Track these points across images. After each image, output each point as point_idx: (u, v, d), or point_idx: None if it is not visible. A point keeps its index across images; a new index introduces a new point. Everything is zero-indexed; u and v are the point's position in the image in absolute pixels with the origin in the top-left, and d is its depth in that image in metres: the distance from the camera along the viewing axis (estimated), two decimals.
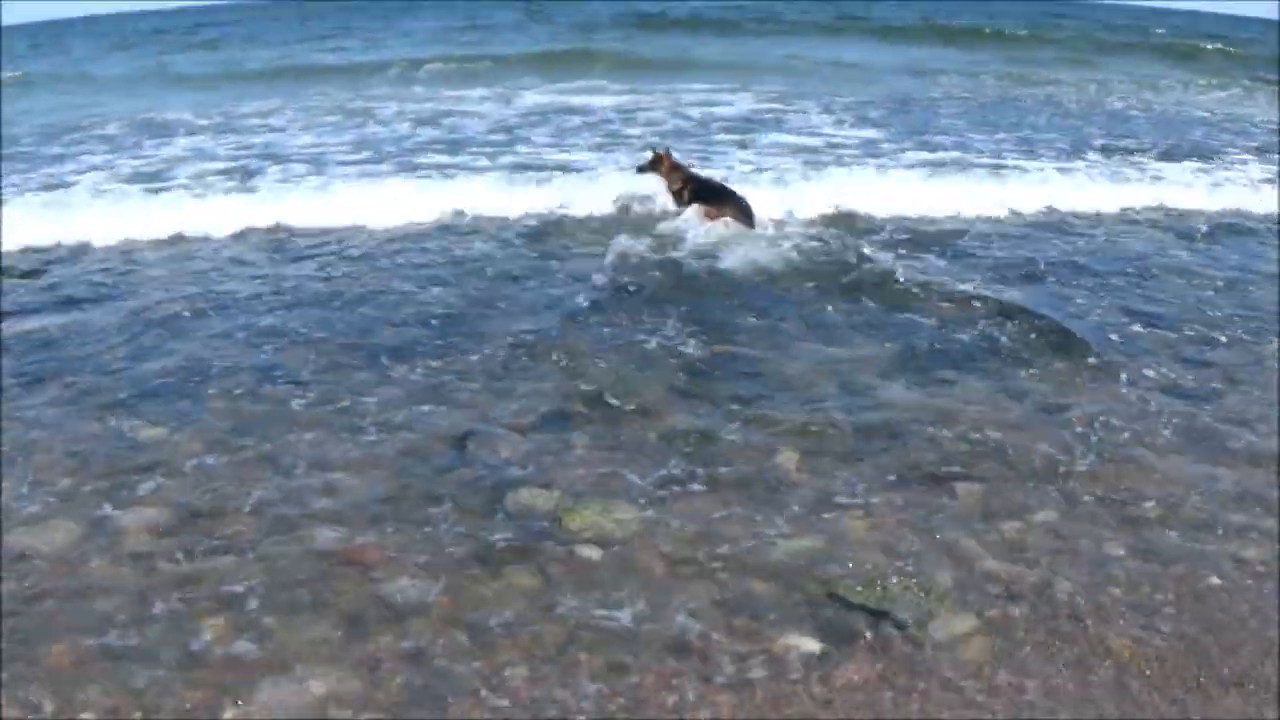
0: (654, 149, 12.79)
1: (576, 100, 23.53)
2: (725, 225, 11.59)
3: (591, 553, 5.66)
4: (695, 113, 21.50)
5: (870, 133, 19.35)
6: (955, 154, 17.15)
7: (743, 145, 17.62)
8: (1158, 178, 15.37)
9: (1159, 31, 53.38)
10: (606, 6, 52.64)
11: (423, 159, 16.69)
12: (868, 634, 5.03)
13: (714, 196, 11.98)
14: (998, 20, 50.10)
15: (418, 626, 5.10)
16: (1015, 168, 15.70)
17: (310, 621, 5.14)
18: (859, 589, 5.32)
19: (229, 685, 4.72)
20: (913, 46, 39.21)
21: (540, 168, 15.49)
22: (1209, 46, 43.85)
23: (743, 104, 22.91)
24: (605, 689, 4.69)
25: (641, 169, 12.63)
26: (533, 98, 24.23)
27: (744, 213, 11.77)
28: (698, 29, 44.88)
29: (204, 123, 21.19)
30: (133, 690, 4.69)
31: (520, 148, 17.66)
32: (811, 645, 4.95)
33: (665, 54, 34.03)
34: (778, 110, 22.08)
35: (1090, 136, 19.42)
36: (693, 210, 11.89)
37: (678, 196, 12.21)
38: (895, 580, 5.40)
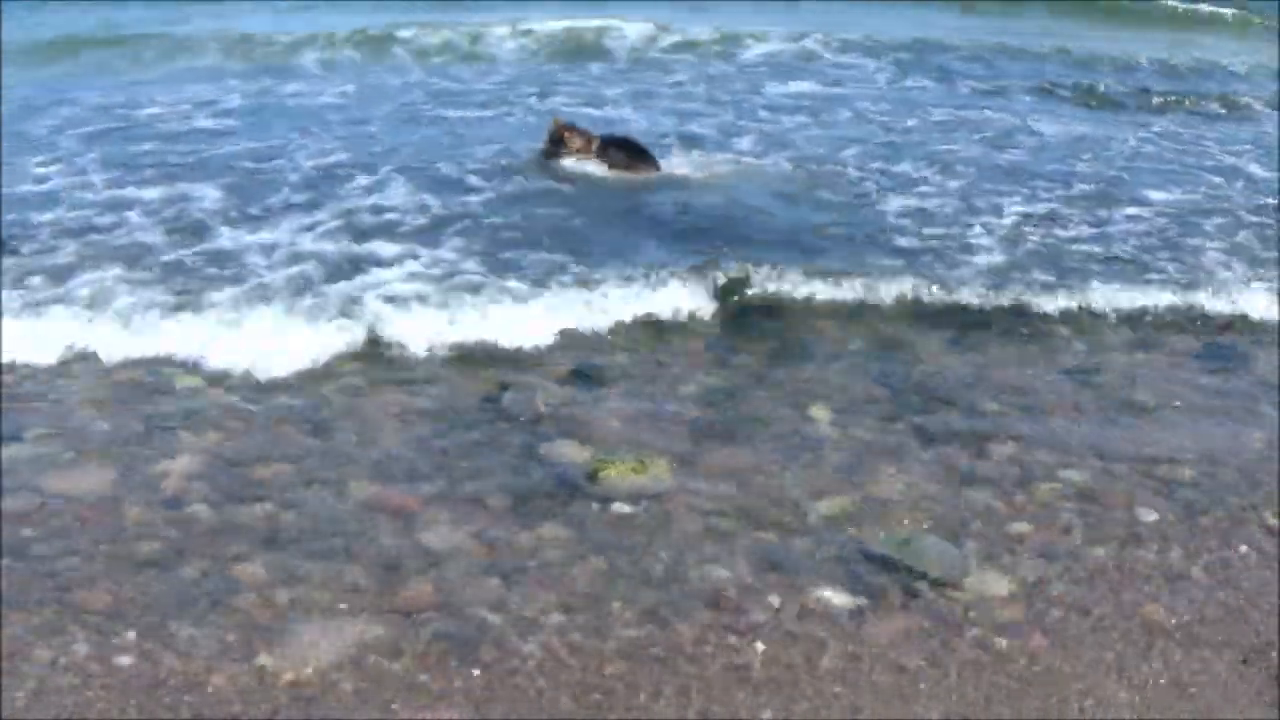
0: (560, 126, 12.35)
1: None
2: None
3: (625, 506, 5.68)
4: None
5: None
6: None
7: None
8: None
9: None
10: None
11: None
12: (900, 590, 5.05)
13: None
14: None
15: (452, 574, 5.13)
16: None
17: (345, 568, 5.17)
18: (893, 545, 5.33)
19: (264, 629, 4.75)
20: None
21: None
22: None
23: None
24: (639, 636, 4.72)
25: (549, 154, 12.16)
26: None
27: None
28: None
29: None
30: (168, 633, 4.71)
31: None
32: (844, 600, 4.97)
33: None
34: None
35: None
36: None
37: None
38: (929, 538, 5.41)
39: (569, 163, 11.78)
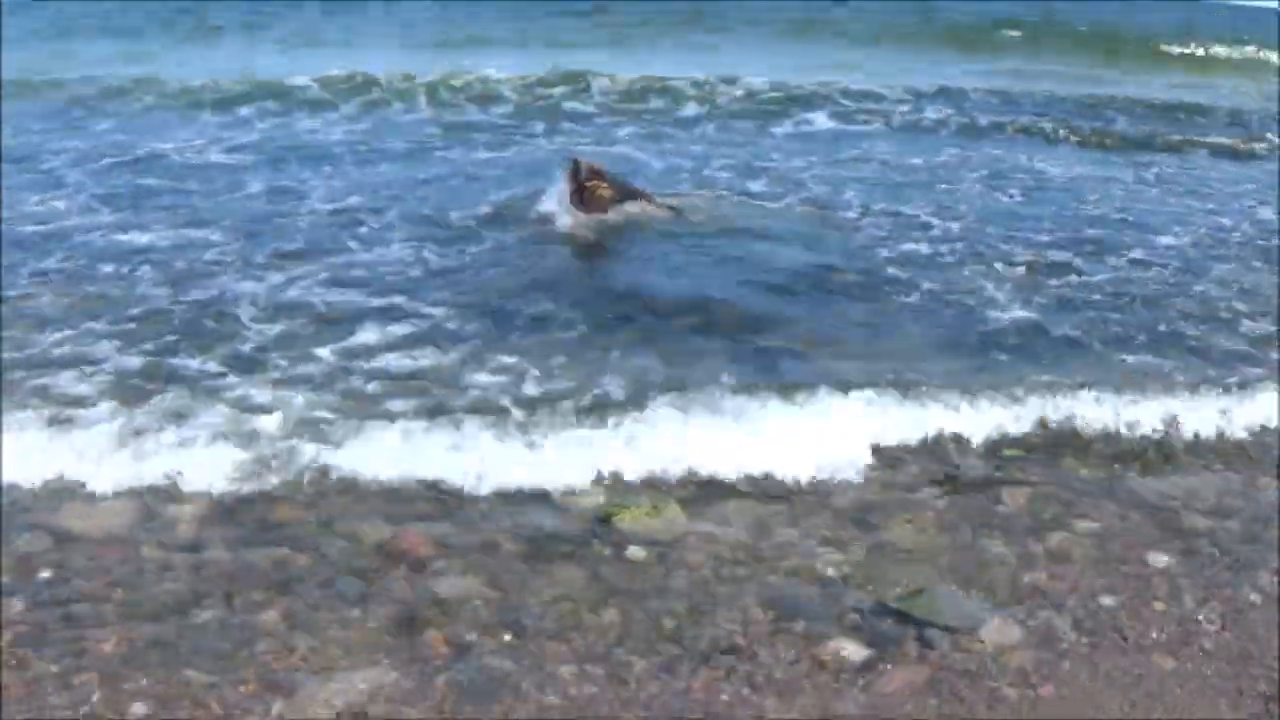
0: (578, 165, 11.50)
1: None
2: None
3: (639, 552, 5.70)
4: None
5: None
6: None
7: None
8: None
9: None
10: None
11: None
12: (914, 641, 5.05)
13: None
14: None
15: (466, 622, 5.14)
16: None
17: (360, 616, 5.18)
18: (906, 595, 5.34)
19: (279, 679, 4.75)
20: None
21: None
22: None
23: None
24: (654, 686, 4.73)
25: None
26: None
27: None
28: None
29: None
30: (182, 681, 4.72)
31: None
32: (858, 651, 4.97)
33: None
34: None
35: None
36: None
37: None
38: (943, 588, 5.41)
39: (585, 220, 11.12)
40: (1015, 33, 37.29)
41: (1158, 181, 14.91)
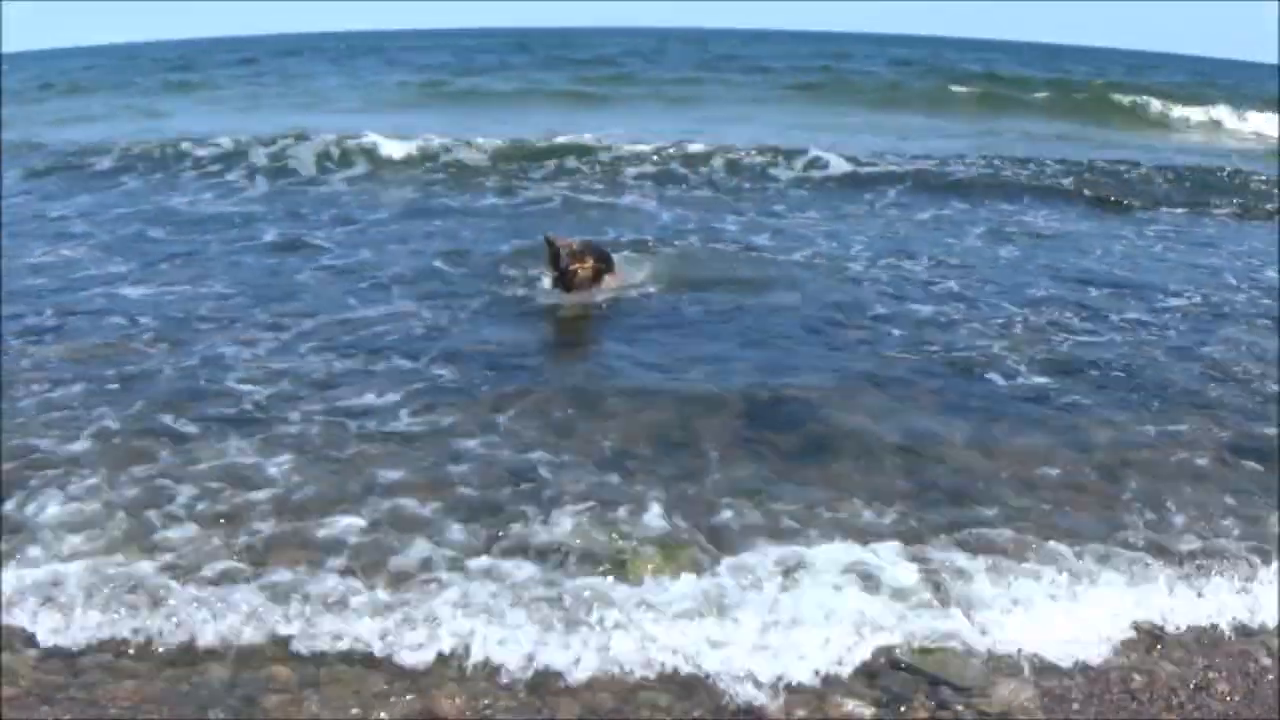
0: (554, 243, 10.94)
1: None
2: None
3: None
4: None
5: None
6: None
7: None
8: None
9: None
10: None
11: None
12: (925, 699, 5.03)
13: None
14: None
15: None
16: None
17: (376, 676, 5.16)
18: (916, 653, 5.31)
19: None
20: None
21: None
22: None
23: None
24: None
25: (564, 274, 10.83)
26: None
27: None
28: None
29: None
30: None
31: None
32: (869, 710, 4.95)
33: None
34: None
35: None
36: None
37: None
38: (952, 645, 5.38)
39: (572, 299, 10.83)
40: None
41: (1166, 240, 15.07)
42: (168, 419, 7.76)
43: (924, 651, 5.32)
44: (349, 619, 5.45)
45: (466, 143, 20.73)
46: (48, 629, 5.39)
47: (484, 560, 6.00)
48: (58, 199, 16.78)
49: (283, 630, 5.38)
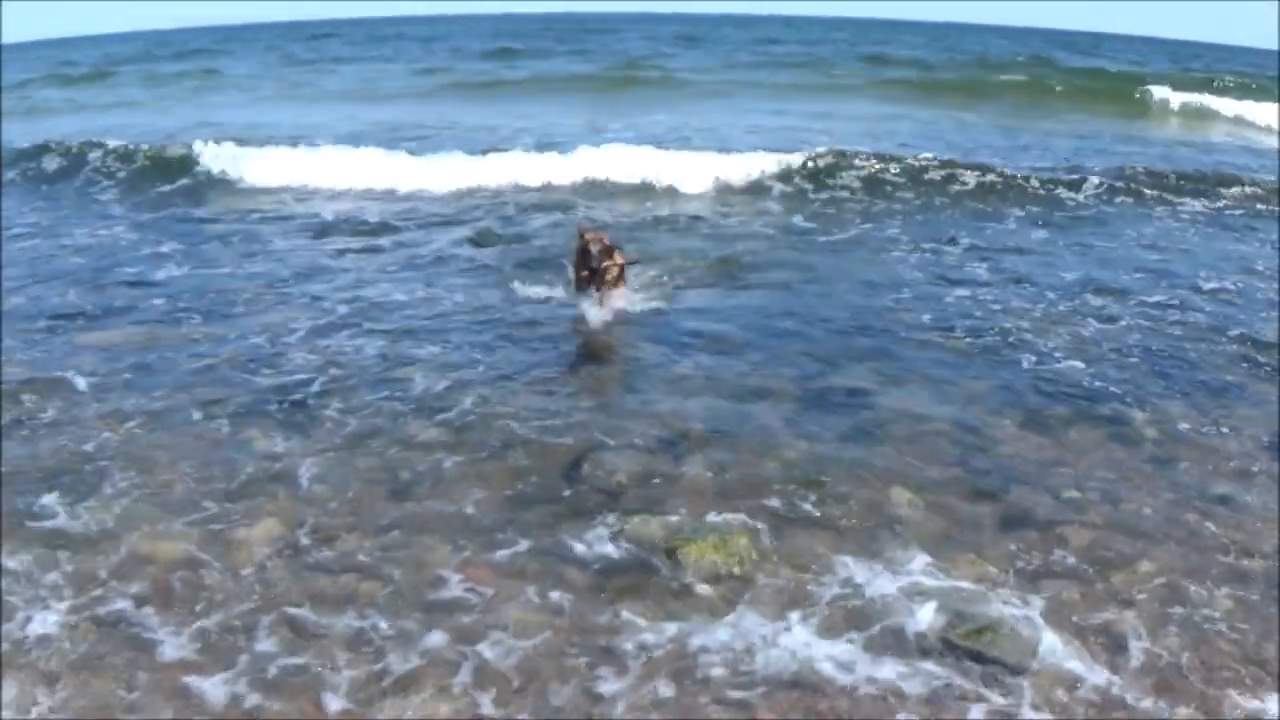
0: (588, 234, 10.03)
1: None
2: None
3: (705, 585, 5.72)
4: None
5: None
6: None
7: None
8: None
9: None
10: None
11: None
12: (977, 678, 5.05)
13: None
14: None
15: (532, 650, 5.19)
16: None
17: (426, 640, 5.24)
18: (967, 633, 5.33)
19: (343, 700, 4.84)
20: None
21: None
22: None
23: None
24: (723, 717, 4.76)
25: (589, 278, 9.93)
26: None
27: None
28: None
29: None
30: (244, 701, 4.83)
31: None
32: (921, 687, 4.98)
33: None
34: None
35: None
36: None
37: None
38: (1006, 625, 5.40)
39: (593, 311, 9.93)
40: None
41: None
42: None
43: (974, 631, 5.33)
44: None
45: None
46: None
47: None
48: None
49: None
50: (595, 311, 9.85)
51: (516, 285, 11.00)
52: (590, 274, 9.77)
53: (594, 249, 9.68)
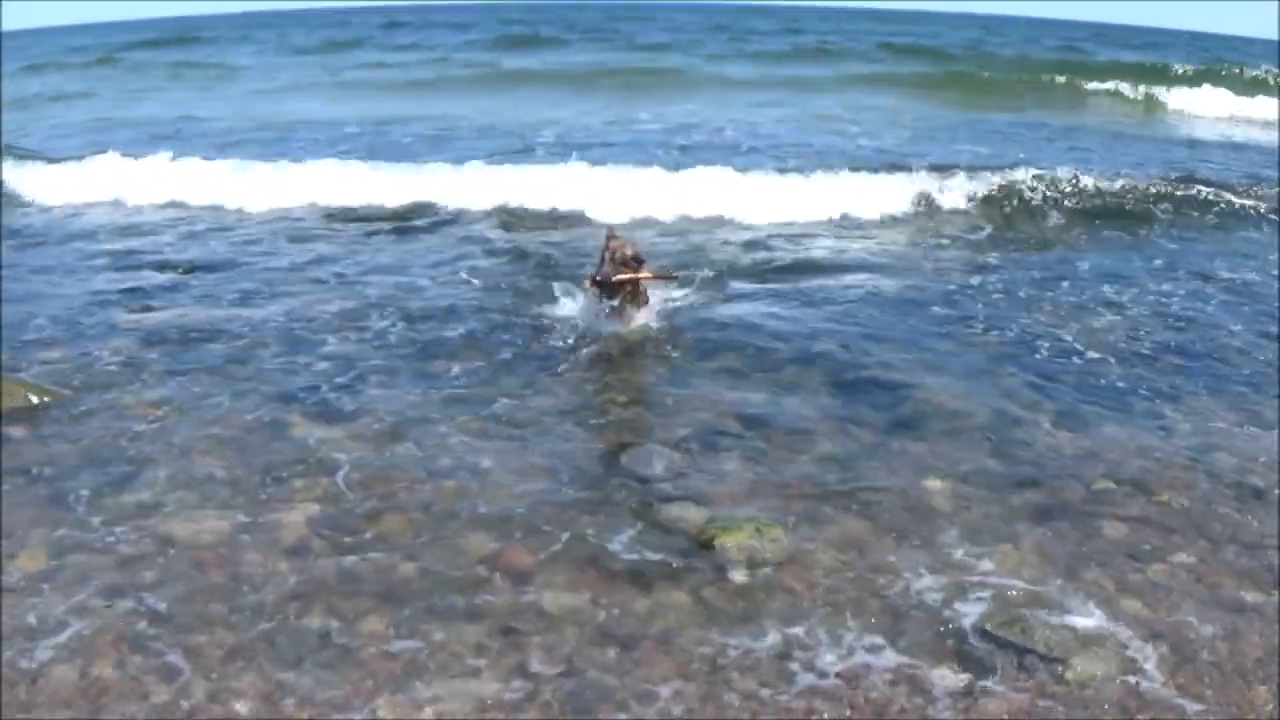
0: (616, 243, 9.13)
1: None
2: None
3: (741, 573, 5.76)
4: None
5: None
6: None
7: None
8: None
9: None
10: None
11: None
12: (1011, 669, 5.07)
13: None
14: None
15: (569, 636, 5.23)
16: None
17: (464, 625, 5.29)
18: (1003, 623, 5.35)
19: (382, 682, 4.87)
20: None
21: None
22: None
23: None
24: (755, 707, 4.78)
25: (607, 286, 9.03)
26: None
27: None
28: None
29: None
30: (284, 681, 4.86)
31: None
32: (955, 676, 5.00)
33: None
34: None
35: None
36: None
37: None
38: (1041, 616, 5.42)
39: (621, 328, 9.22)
40: None
41: None
42: None
43: (1009, 621, 5.35)
44: None
45: None
46: None
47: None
48: None
49: None
50: (607, 324, 9.14)
51: (555, 284, 10.30)
52: (595, 282, 9.00)
53: (625, 251, 8.84)
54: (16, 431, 7.27)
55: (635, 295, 9.09)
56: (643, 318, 9.28)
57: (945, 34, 64.22)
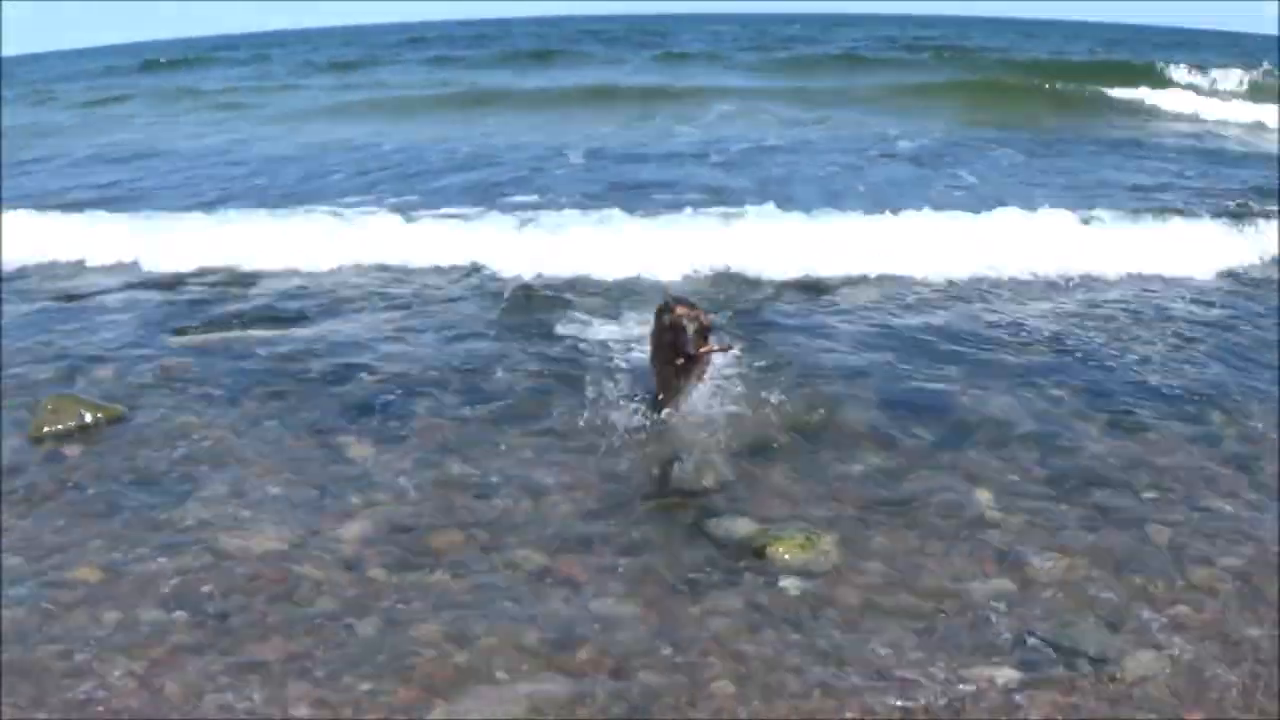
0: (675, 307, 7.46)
1: None
2: None
3: (792, 581, 5.81)
4: None
5: None
6: None
7: None
8: None
9: None
10: None
11: None
12: (1060, 669, 5.11)
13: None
14: None
15: (623, 642, 5.30)
16: None
17: (518, 633, 5.36)
18: (1053, 625, 5.40)
19: (437, 688, 4.95)
20: None
21: None
22: None
23: None
24: (808, 708, 4.84)
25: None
26: None
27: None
28: None
29: None
30: (340, 688, 4.94)
31: None
32: (1005, 677, 5.04)
33: None
34: None
35: None
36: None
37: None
38: (1090, 619, 5.47)
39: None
40: None
41: None
42: None
43: (1060, 625, 5.40)
44: None
45: None
46: None
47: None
48: None
49: None
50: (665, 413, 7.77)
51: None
52: (685, 362, 7.35)
53: (689, 326, 7.23)
54: (72, 448, 7.39)
55: (701, 373, 7.76)
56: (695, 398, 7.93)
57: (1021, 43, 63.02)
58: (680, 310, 7.31)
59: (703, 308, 7.58)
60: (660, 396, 7.68)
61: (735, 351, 8.39)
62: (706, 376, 7.84)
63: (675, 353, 7.26)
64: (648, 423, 7.60)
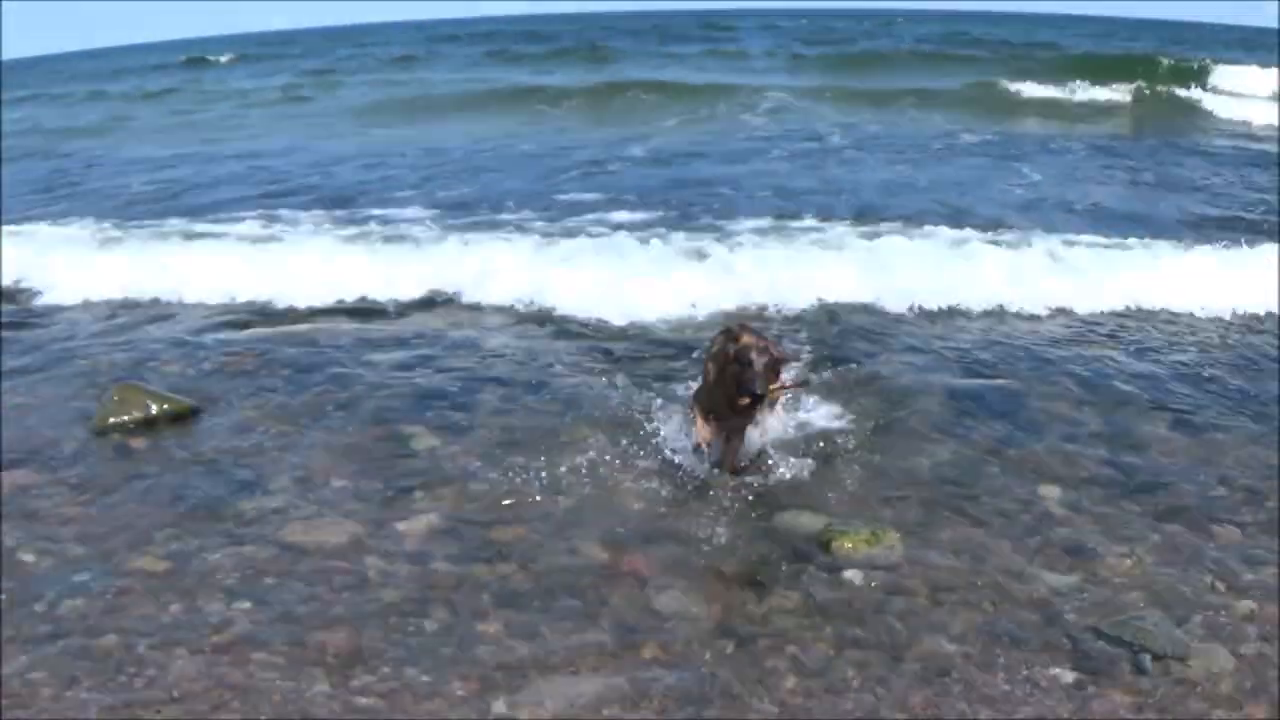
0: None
1: None
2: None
3: (857, 575, 5.81)
4: None
5: None
6: None
7: None
8: None
9: None
10: None
11: None
12: (1125, 666, 5.09)
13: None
14: None
15: (685, 635, 5.30)
16: None
17: (582, 626, 5.37)
18: (1117, 623, 5.37)
19: (501, 681, 4.95)
20: None
21: None
22: None
23: None
24: (871, 701, 4.83)
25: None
26: None
27: None
28: None
29: None
30: (404, 679, 4.96)
31: None
32: (1070, 674, 5.03)
33: None
34: None
35: None
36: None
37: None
38: (1155, 616, 5.43)
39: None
40: None
41: None
42: None
43: (1125, 621, 5.36)
44: None
45: None
46: None
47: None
48: None
49: None
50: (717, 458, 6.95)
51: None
52: (749, 403, 6.52)
53: (757, 360, 6.33)
54: (137, 439, 7.48)
55: (763, 416, 7.04)
56: (757, 438, 7.14)
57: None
58: (747, 339, 6.45)
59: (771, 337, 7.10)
60: (706, 444, 6.83)
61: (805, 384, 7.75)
62: (772, 415, 7.14)
63: (738, 389, 6.40)
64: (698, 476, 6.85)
